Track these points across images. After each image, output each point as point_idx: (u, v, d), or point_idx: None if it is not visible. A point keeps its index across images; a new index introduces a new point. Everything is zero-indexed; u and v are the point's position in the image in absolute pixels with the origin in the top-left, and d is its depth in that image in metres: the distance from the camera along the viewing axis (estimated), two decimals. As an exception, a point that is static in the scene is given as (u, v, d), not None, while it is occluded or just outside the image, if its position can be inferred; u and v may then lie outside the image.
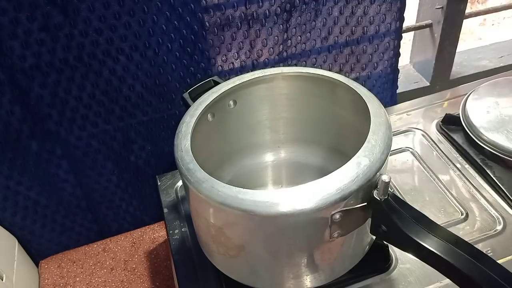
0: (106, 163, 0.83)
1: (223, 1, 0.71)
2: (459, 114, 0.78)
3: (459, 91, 0.87)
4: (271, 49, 0.80)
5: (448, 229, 0.45)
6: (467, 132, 0.74)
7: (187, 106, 0.61)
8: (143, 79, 0.74)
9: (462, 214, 0.65)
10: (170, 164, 0.55)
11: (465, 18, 1.01)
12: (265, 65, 0.81)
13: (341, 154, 0.60)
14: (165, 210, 0.72)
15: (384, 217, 0.47)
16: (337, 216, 0.46)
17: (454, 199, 0.68)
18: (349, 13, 0.79)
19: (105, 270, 0.88)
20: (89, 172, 0.84)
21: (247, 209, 0.45)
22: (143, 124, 0.80)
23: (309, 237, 0.49)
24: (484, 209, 0.66)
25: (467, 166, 0.73)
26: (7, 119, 0.71)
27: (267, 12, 0.74)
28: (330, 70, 0.81)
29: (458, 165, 0.73)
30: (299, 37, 0.81)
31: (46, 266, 0.89)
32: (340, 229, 0.48)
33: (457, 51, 1.04)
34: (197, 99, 0.60)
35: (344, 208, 0.45)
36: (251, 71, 0.64)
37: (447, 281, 0.53)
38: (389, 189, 0.46)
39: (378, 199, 0.46)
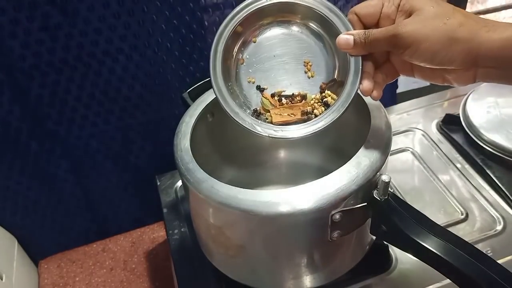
0: (106, 163, 0.83)
1: (222, 0, 0.71)
2: (459, 114, 0.78)
3: (459, 91, 0.87)
4: (271, 49, 0.80)
5: (448, 229, 0.45)
6: (467, 132, 0.74)
7: (187, 106, 0.61)
8: (142, 79, 0.74)
9: (462, 214, 0.65)
10: (170, 164, 0.55)
11: (465, 18, 1.01)
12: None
13: (341, 154, 0.60)
14: (165, 210, 0.72)
15: (384, 217, 0.47)
16: (337, 216, 0.46)
17: (454, 199, 0.68)
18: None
19: (105, 270, 0.88)
20: (89, 172, 0.83)
21: (247, 209, 0.45)
22: (142, 124, 0.80)
23: (309, 237, 0.49)
24: (484, 209, 0.66)
25: (467, 166, 0.73)
26: (7, 119, 0.71)
27: (267, 11, 0.74)
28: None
29: (458, 165, 0.73)
30: (299, 37, 0.80)
31: (45, 266, 0.89)
32: (340, 229, 0.47)
33: (457, 51, 1.04)
34: (196, 98, 0.60)
35: (344, 208, 0.45)
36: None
37: (447, 281, 0.53)
38: (389, 189, 0.46)
39: (378, 199, 0.46)
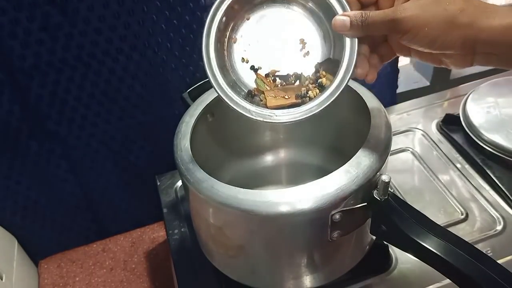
0: (106, 163, 0.83)
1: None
2: (459, 114, 0.78)
3: (459, 91, 0.87)
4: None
5: (448, 229, 0.45)
6: (467, 132, 0.74)
7: (187, 106, 0.61)
8: (142, 78, 0.74)
9: (462, 214, 0.65)
10: (170, 164, 0.55)
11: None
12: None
13: (341, 154, 0.60)
14: (165, 210, 0.72)
15: (384, 217, 0.47)
16: (337, 216, 0.46)
17: (454, 199, 0.68)
18: (349, 13, 0.79)
19: (105, 270, 0.88)
20: (89, 172, 0.83)
21: (247, 209, 0.45)
22: (142, 124, 0.80)
23: (309, 237, 0.49)
24: (484, 209, 0.66)
25: (467, 166, 0.73)
26: (7, 118, 0.71)
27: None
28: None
29: (458, 165, 0.73)
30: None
31: (45, 266, 0.89)
32: (340, 229, 0.47)
33: (457, 50, 1.04)
34: (196, 98, 0.60)
35: (344, 208, 0.45)
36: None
37: (447, 281, 0.53)
38: (389, 189, 0.46)
39: (378, 199, 0.46)
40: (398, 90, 0.97)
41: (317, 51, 0.49)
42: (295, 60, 0.49)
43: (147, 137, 0.82)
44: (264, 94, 0.48)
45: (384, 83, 0.93)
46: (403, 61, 1.10)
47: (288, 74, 0.49)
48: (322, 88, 0.47)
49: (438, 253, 0.43)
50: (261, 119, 0.46)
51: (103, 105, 0.75)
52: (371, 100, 0.54)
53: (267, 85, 0.49)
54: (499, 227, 0.63)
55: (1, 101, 0.69)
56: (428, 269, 0.45)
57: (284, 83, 0.49)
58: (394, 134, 0.78)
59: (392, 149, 0.52)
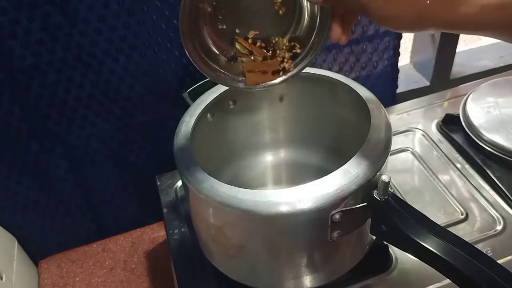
0: (106, 163, 0.83)
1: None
2: (459, 114, 0.78)
3: (459, 91, 0.87)
4: (271, 48, 0.80)
5: (448, 229, 0.45)
6: (467, 132, 0.74)
7: (187, 106, 0.61)
8: (142, 78, 0.74)
9: (462, 214, 0.65)
10: (170, 164, 0.55)
11: (465, 18, 1.00)
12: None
13: (341, 154, 0.60)
14: (165, 210, 0.72)
15: (384, 217, 0.47)
16: (337, 216, 0.46)
17: (454, 199, 0.68)
18: (349, 13, 0.79)
19: (105, 270, 0.88)
20: (89, 172, 0.83)
21: (247, 209, 0.45)
22: (142, 124, 0.80)
23: (309, 237, 0.49)
24: (484, 209, 0.66)
25: (467, 166, 0.73)
26: (7, 118, 0.71)
27: (267, 11, 0.74)
28: (329, 69, 0.81)
29: (458, 165, 0.73)
30: (299, 36, 0.80)
31: (45, 266, 0.89)
32: (340, 229, 0.47)
33: (457, 51, 1.04)
34: (196, 98, 0.60)
35: (344, 208, 0.45)
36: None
37: (447, 281, 0.53)
38: (389, 189, 0.46)
39: (378, 199, 0.46)
40: (398, 90, 0.97)
41: (293, 12, 0.49)
42: (272, 21, 0.50)
43: (147, 137, 0.82)
44: (246, 58, 0.50)
45: (384, 83, 0.93)
46: (403, 61, 1.10)
47: (267, 35, 0.50)
48: (297, 56, 0.50)
49: (438, 253, 0.43)
50: (239, 86, 0.50)
51: (103, 105, 0.75)
52: (371, 100, 0.54)
53: (247, 48, 0.50)
54: (499, 227, 0.63)
55: (1, 101, 0.69)
56: (428, 269, 0.45)
57: (264, 44, 0.50)
58: (394, 134, 0.78)
59: (392, 149, 0.52)
